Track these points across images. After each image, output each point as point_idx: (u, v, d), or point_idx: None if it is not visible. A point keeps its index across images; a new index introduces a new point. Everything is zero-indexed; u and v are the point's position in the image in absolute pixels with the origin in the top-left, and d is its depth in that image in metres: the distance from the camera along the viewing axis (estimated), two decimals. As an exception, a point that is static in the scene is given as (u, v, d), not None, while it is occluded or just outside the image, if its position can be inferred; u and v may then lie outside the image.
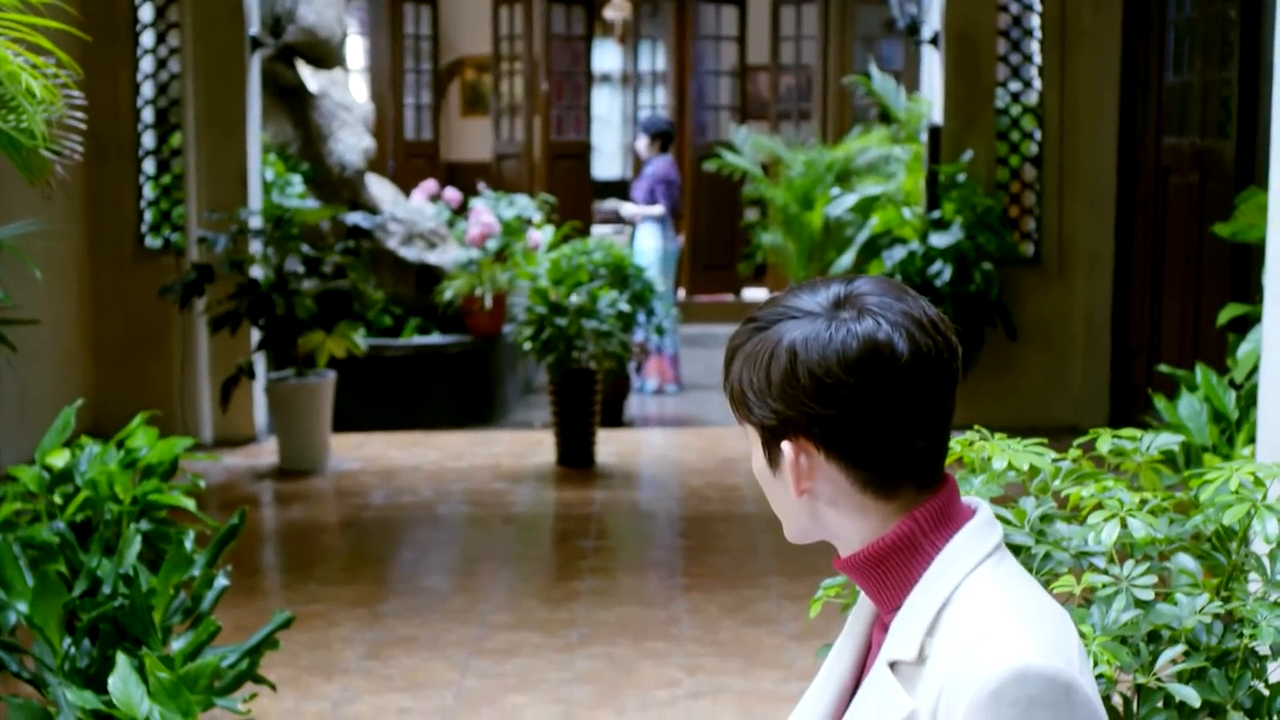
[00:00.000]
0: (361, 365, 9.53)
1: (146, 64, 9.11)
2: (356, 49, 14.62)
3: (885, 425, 1.76)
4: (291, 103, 10.69)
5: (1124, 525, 2.76)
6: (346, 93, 11.27)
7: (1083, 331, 9.14)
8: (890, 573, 1.83)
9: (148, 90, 9.14)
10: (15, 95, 3.56)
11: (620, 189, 14.93)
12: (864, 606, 1.95)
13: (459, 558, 7.14)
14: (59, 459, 4.40)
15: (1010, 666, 1.69)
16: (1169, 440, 3.24)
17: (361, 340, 8.75)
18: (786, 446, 1.79)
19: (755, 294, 14.90)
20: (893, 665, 1.79)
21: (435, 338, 10.42)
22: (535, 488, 8.28)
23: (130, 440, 4.49)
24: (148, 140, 9.19)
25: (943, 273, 8.75)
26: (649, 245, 11.28)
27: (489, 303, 10.18)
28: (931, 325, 1.78)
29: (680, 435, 9.85)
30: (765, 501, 6.46)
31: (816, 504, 1.82)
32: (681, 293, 14.06)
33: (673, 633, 5.87)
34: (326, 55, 10.90)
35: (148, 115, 9.16)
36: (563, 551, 7.20)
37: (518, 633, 5.87)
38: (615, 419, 10.02)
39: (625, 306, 8.75)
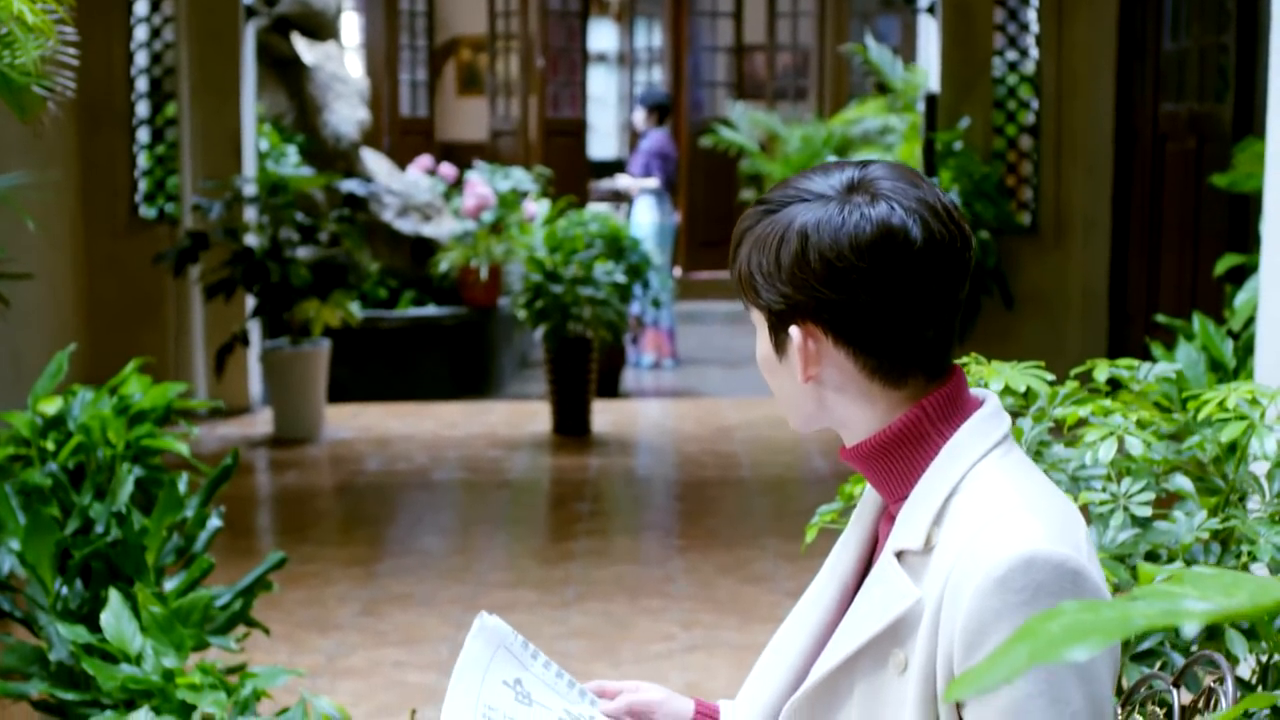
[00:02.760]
0: (357, 337, 9.51)
1: (140, 32, 9.08)
2: (351, 25, 14.59)
3: (895, 312, 1.74)
4: (286, 74, 10.66)
5: (1121, 444, 2.75)
6: (341, 66, 11.24)
7: (1079, 299, 9.13)
8: (897, 461, 1.80)
9: (141, 59, 9.11)
10: (11, 30, 3.53)
11: (616, 169, 14.90)
12: (869, 500, 1.93)
13: (454, 521, 7.12)
14: (51, 405, 4.38)
15: (1018, 552, 1.66)
16: (1167, 368, 3.22)
17: (357, 310, 8.73)
18: (794, 331, 1.77)
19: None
20: (899, 555, 1.77)
21: (431, 309, 10.40)
22: (531, 455, 8.26)
23: (123, 387, 4.47)
24: (141, 109, 9.16)
25: (939, 241, 8.73)
26: (646, 219, 11.24)
27: (484, 274, 10.16)
28: (946, 213, 1.75)
29: (676, 405, 9.83)
30: (761, 466, 6.45)
31: (823, 391, 1.80)
32: (678, 270, 14.02)
33: (669, 591, 5.85)
34: (321, 27, 10.86)
35: (141, 84, 9.13)
36: (559, 515, 7.19)
37: (514, 591, 5.85)
38: (611, 391, 10.00)
39: (621, 278, 8.72)
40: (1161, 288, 8.38)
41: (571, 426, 8.63)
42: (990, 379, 2.93)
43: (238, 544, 6.21)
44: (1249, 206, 6.73)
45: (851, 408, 1.81)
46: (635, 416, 9.49)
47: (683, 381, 10.91)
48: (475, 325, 10.43)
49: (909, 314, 1.74)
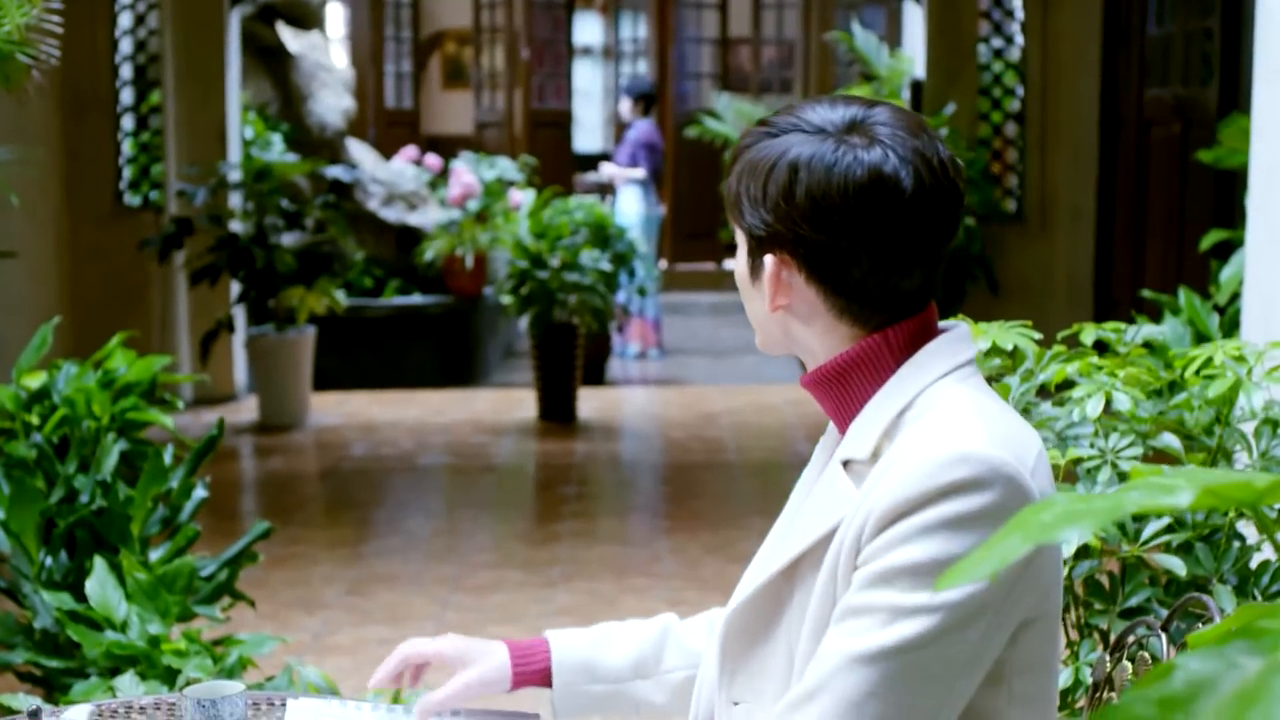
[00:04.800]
0: (342, 326, 9.49)
1: (125, 19, 9.05)
2: (336, 16, 14.56)
3: (873, 259, 1.71)
4: (271, 63, 10.63)
5: (1109, 404, 2.74)
6: (326, 56, 11.22)
7: (1065, 286, 9.14)
8: (853, 387, 1.78)
9: (126, 46, 9.08)
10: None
11: (602, 161, 14.87)
12: (828, 438, 1.90)
13: (440, 504, 7.11)
14: (35, 380, 4.36)
15: (954, 449, 1.64)
16: (1154, 330, 3.23)
17: (342, 298, 8.71)
18: (769, 260, 1.75)
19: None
20: (846, 464, 1.75)
21: (416, 298, 10.38)
22: (517, 440, 8.25)
23: (108, 361, 4.45)
24: (126, 96, 9.13)
25: (925, 227, 8.73)
26: (631, 209, 11.22)
27: (470, 263, 10.13)
28: (941, 166, 1.72)
29: (662, 393, 9.83)
30: (747, 451, 6.44)
31: (790, 320, 1.78)
32: (663, 263, 14.00)
33: (655, 570, 5.85)
34: (306, 16, 10.84)
35: (126, 71, 9.10)
36: (544, 498, 7.18)
37: (499, 571, 5.85)
38: (597, 380, 9.99)
39: (607, 266, 8.71)
40: (1146, 274, 8.39)
41: (557, 413, 8.62)
42: (977, 338, 2.94)
43: (223, 526, 6.19)
44: (1234, 190, 6.74)
45: (815, 339, 1.79)
46: (621, 403, 9.48)
47: (668, 371, 10.90)
48: (460, 314, 10.41)
49: (887, 262, 1.71)
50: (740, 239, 1.81)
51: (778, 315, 1.78)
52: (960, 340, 1.79)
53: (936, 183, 1.71)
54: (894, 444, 1.71)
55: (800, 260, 1.74)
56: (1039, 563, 1.69)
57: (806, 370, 1.83)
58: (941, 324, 1.82)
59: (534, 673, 2.04)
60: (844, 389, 1.78)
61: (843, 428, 1.81)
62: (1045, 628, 1.73)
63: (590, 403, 8.96)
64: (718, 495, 7.00)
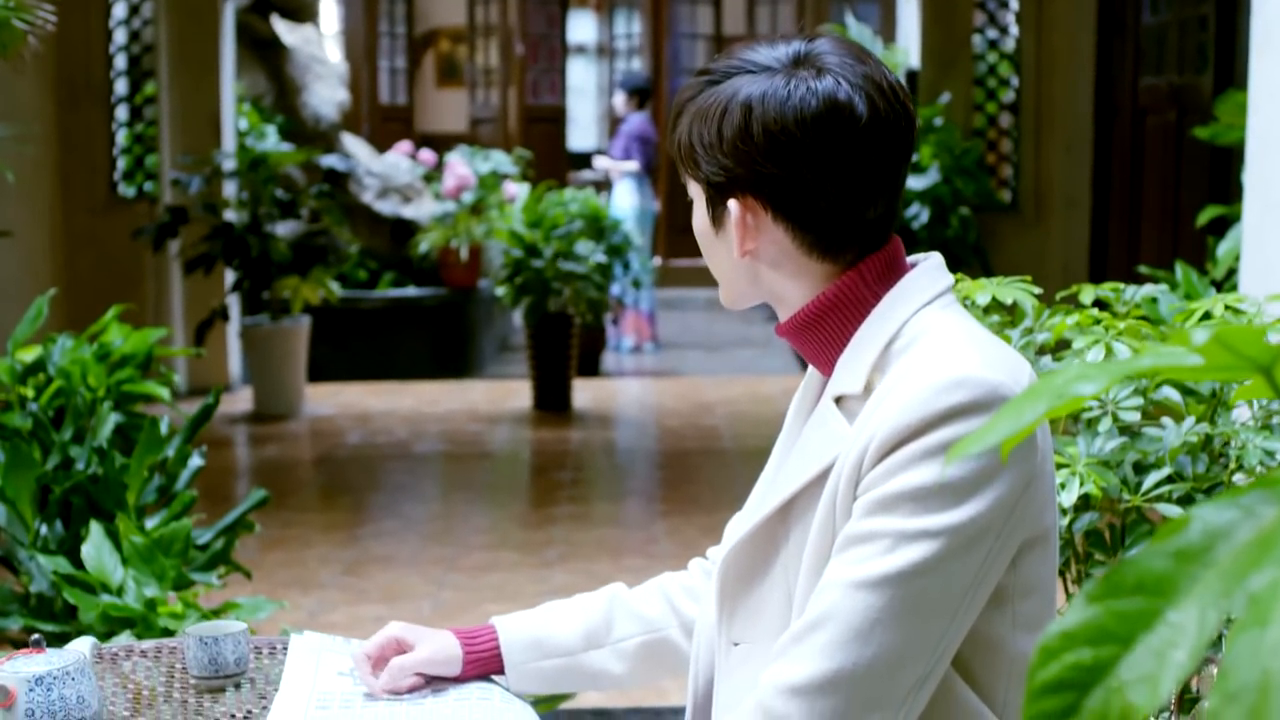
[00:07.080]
0: (337, 317, 9.47)
1: (119, 9, 9.04)
2: (330, 13, 14.55)
3: (837, 188, 1.70)
4: (266, 55, 10.63)
5: (1109, 351, 2.73)
6: (321, 49, 11.21)
7: (1060, 275, 9.12)
8: (834, 328, 1.76)
9: (120, 36, 9.07)
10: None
11: (596, 156, 14.85)
12: (809, 383, 1.89)
13: (436, 489, 7.10)
14: (30, 354, 4.34)
15: (950, 374, 1.63)
16: (1154, 290, 3.22)
17: (337, 290, 8.70)
18: (733, 205, 1.74)
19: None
20: (838, 401, 1.73)
21: (411, 290, 10.37)
22: (512, 429, 8.24)
23: (104, 335, 4.44)
24: (120, 87, 9.12)
25: (920, 216, 8.73)
26: (626, 203, 11.20)
27: (464, 255, 10.12)
28: (891, 91, 1.72)
29: (657, 383, 9.82)
30: (743, 438, 6.43)
31: (758, 266, 1.77)
32: (658, 259, 13.97)
33: (651, 551, 5.84)
34: (301, 9, 10.84)
35: (120, 61, 9.08)
36: (540, 483, 7.17)
37: (495, 552, 5.84)
38: (592, 371, 9.98)
39: (602, 258, 8.70)
40: (1142, 262, 8.38)
41: (552, 402, 8.61)
42: (976, 293, 2.93)
43: (218, 510, 6.14)
44: (1229, 175, 6.74)
45: (787, 282, 1.77)
46: (616, 394, 9.48)
47: (663, 364, 10.89)
48: (455, 306, 10.40)
49: (850, 191, 1.71)
50: (696, 192, 1.79)
51: (745, 262, 1.77)
52: (937, 269, 1.79)
53: (890, 106, 1.71)
54: (886, 376, 1.69)
55: (764, 199, 1.73)
56: (1036, 483, 1.68)
57: (779, 319, 1.82)
58: (912, 257, 1.82)
59: (484, 655, 2.02)
60: (825, 330, 1.77)
61: (827, 369, 1.80)
62: (1044, 549, 1.72)
63: (585, 393, 8.95)
64: (713, 481, 6.99)
